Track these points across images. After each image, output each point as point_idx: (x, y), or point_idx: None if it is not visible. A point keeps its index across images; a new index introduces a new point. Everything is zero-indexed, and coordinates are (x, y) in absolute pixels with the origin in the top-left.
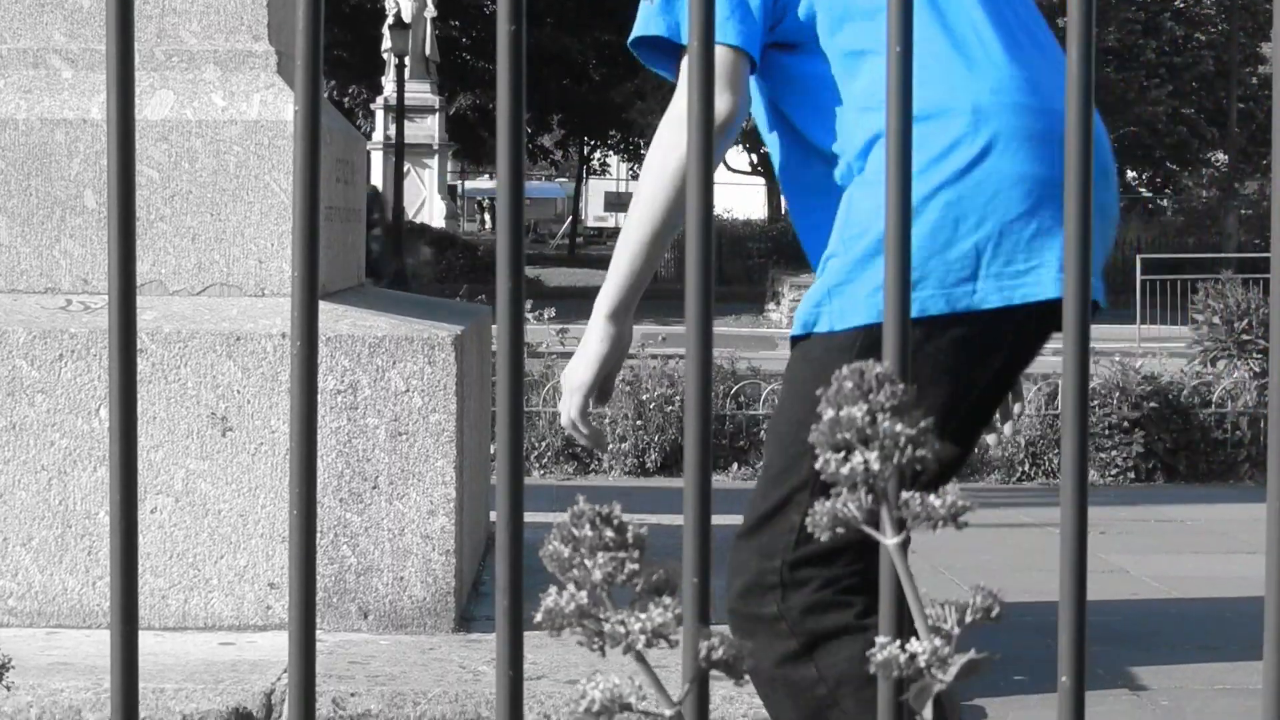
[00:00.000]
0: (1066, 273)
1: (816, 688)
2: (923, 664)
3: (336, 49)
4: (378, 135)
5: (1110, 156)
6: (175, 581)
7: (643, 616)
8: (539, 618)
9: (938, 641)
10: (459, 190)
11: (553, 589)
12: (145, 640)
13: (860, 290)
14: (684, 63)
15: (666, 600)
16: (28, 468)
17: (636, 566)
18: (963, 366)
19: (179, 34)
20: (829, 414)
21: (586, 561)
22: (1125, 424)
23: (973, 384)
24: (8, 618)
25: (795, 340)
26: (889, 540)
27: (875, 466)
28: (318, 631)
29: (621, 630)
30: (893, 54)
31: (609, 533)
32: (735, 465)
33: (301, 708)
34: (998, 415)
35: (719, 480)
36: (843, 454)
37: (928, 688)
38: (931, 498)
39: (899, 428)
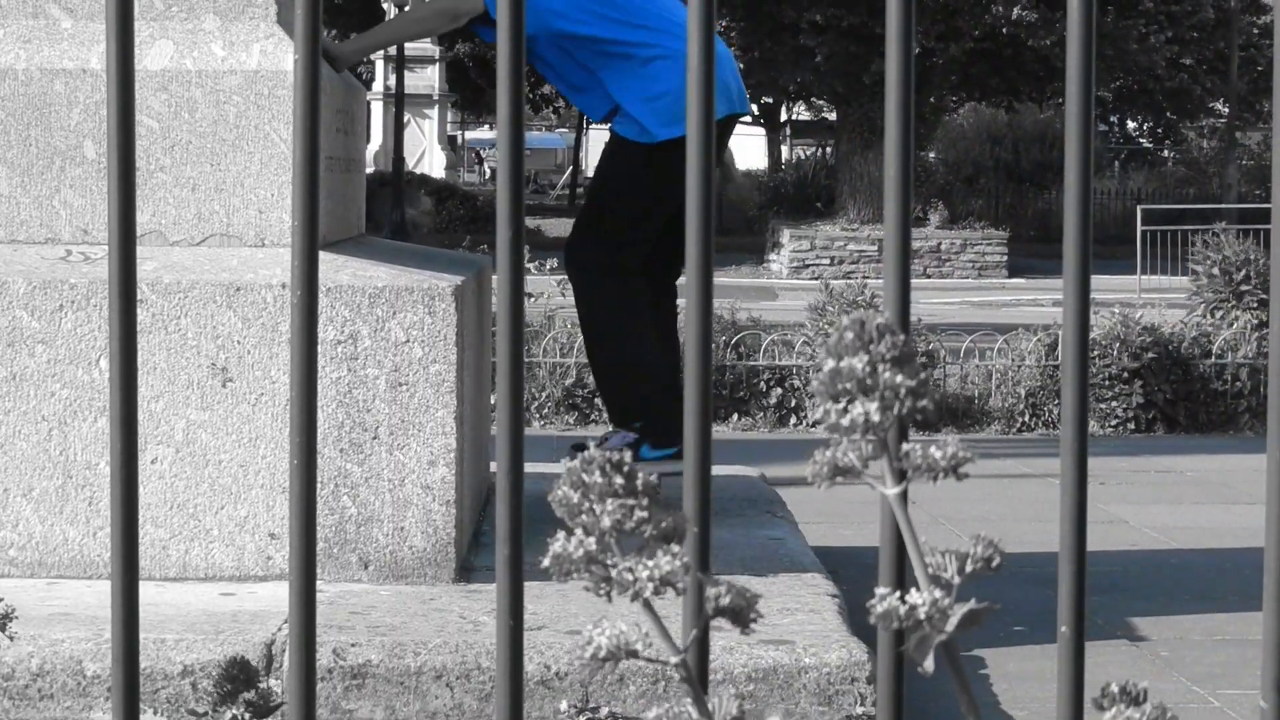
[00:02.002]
0: (1066, 228)
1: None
2: (923, 616)
3: None
4: (377, 85)
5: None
6: (176, 532)
7: (650, 564)
8: (546, 562)
9: (938, 593)
10: (459, 141)
11: (560, 534)
12: (146, 591)
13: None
14: None
15: (675, 548)
16: (28, 418)
17: (646, 514)
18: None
19: None
20: (829, 364)
21: (595, 507)
22: (1125, 375)
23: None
24: (8, 568)
25: (622, 139)
26: (890, 490)
27: (876, 418)
28: (318, 582)
29: (629, 577)
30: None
31: (618, 479)
32: (735, 416)
33: (302, 658)
34: None
35: (719, 430)
36: (843, 404)
37: (928, 638)
38: (932, 449)
39: (899, 379)
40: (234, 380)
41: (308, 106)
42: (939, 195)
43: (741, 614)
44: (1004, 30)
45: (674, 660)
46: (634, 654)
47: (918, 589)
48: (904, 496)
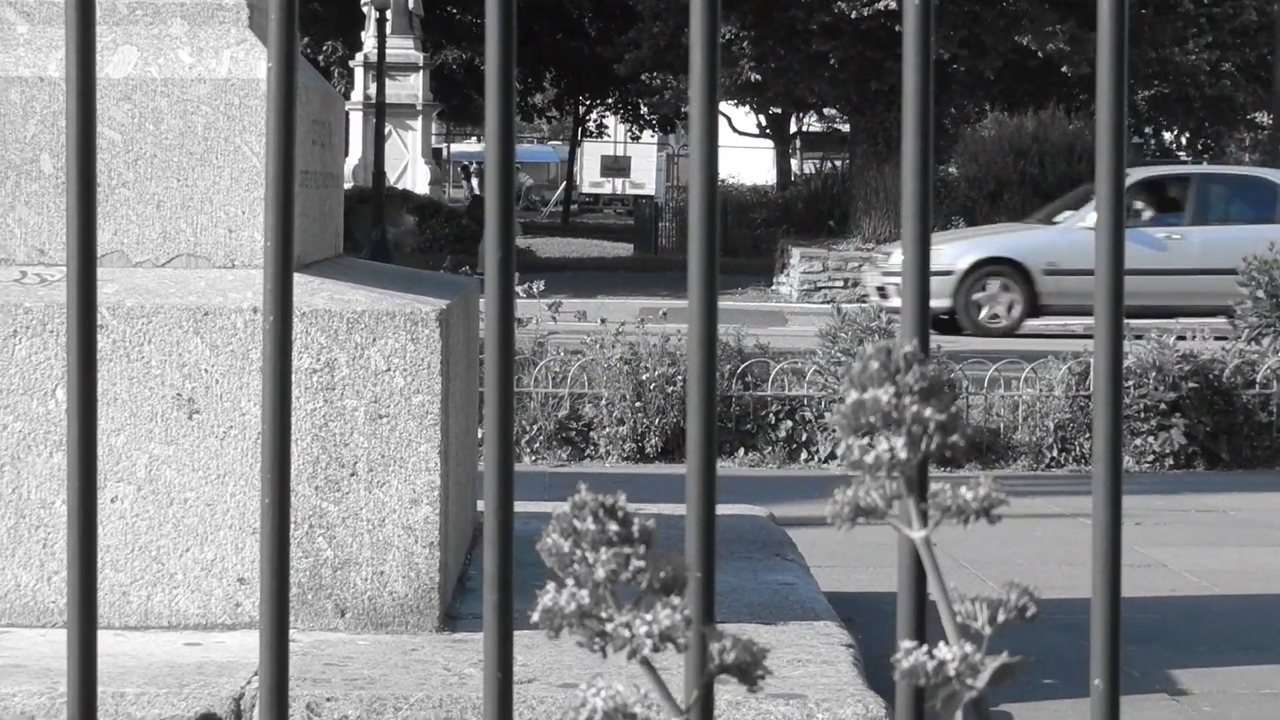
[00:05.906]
0: (1098, 251)
1: None
2: (952, 672)
3: (312, 1)
4: (357, 95)
5: None
6: (137, 576)
7: (649, 618)
8: (536, 617)
9: (969, 648)
10: (444, 154)
11: (551, 586)
12: (104, 640)
13: None
14: None
15: (675, 600)
16: None
17: (642, 563)
18: None
19: None
20: (853, 395)
21: (589, 556)
22: (1162, 406)
23: None
24: None
25: None
26: (916, 533)
27: (903, 455)
28: (291, 631)
29: (626, 634)
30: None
31: (613, 526)
32: (742, 450)
33: (273, 713)
34: None
35: (724, 467)
36: (866, 439)
37: (957, 695)
38: (963, 489)
39: (928, 412)
40: (201, 412)
41: (282, 117)
42: (960, 212)
43: (748, 670)
44: (1037, 55)
45: None
46: (631, 717)
47: (943, 640)
48: (929, 540)
